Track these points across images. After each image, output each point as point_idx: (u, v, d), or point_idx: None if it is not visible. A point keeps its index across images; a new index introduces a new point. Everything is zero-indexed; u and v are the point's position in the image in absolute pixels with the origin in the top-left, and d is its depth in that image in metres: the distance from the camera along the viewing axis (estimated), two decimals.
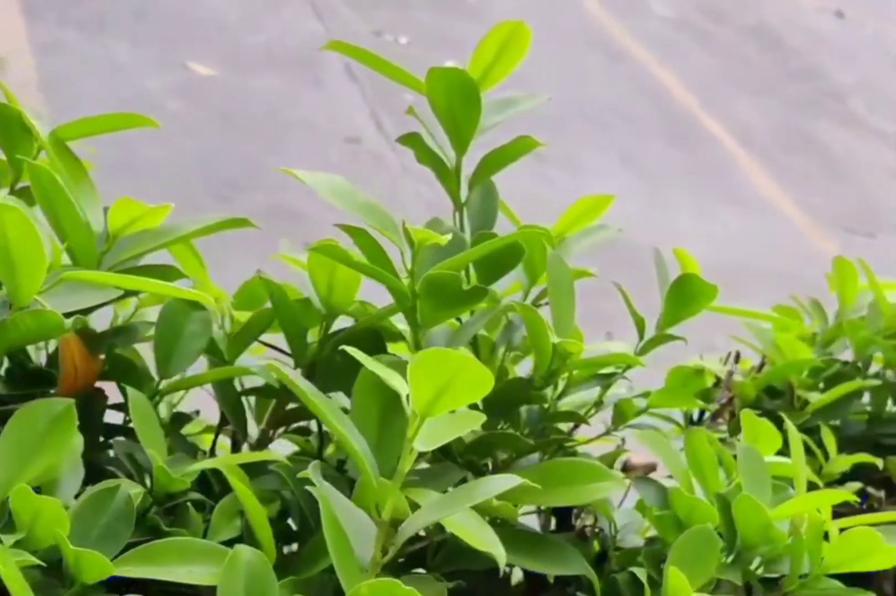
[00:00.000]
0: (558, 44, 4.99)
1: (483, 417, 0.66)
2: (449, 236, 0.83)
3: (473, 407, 0.95)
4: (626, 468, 1.08)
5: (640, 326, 0.94)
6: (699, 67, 5.31)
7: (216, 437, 0.92)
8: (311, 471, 0.64)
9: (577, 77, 4.76)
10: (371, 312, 0.88)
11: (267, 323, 0.89)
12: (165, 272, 0.81)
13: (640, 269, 3.62)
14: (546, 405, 0.92)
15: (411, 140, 0.88)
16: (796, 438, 0.92)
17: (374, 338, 0.87)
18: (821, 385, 1.22)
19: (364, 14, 4.47)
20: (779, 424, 1.20)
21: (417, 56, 4.35)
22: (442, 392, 0.59)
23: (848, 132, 4.98)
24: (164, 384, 0.86)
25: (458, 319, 0.90)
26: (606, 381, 0.94)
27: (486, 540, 0.69)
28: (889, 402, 1.23)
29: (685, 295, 0.93)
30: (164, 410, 0.92)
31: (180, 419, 0.94)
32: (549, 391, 0.92)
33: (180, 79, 3.59)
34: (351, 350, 0.65)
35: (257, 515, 0.71)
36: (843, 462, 1.12)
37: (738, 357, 1.27)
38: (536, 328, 0.86)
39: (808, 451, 1.17)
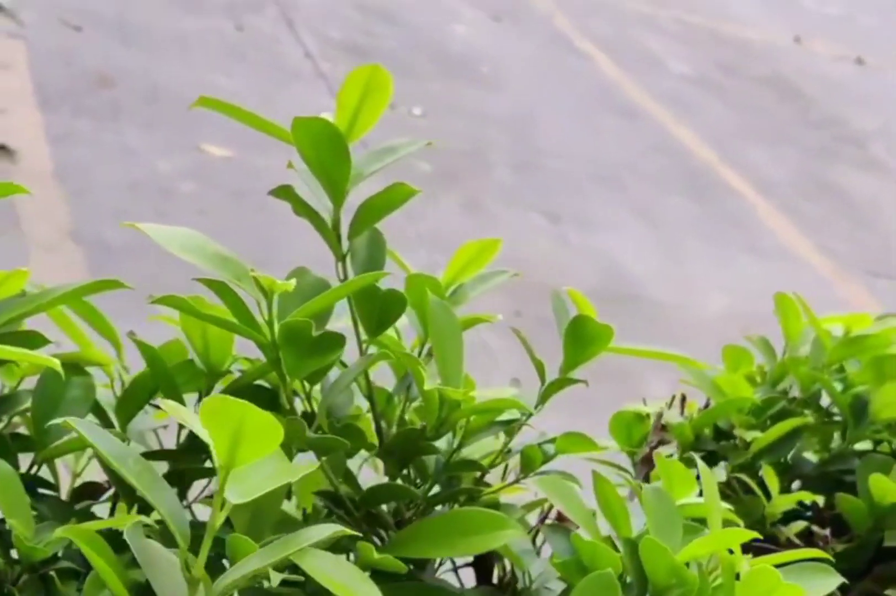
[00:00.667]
0: (573, 105, 5.01)
1: (297, 471, 0.63)
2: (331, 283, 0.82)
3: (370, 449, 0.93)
4: (560, 518, 1.05)
5: (541, 370, 0.92)
6: (717, 121, 5.29)
7: (114, 504, 0.90)
8: (129, 533, 0.62)
9: (592, 137, 4.76)
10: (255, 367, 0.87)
11: (153, 386, 0.87)
12: (30, 338, 0.80)
13: (660, 322, 3.59)
14: (447, 454, 0.90)
15: (284, 192, 0.87)
16: (708, 477, 0.89)
17: (259, 394, 0.85)
18: (768, 423, 1.18)
19: None
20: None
21: (431, 126, 4.38)
22: (237, 442, 0.57)
23: (869, 176, 4.93)
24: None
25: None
26: (507, 427, 0.91)
27: (360, 593, 0.66)
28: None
29: (581, 338, 0.90)
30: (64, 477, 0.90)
31: (89, 488, 0.92)
32: (447, 441, 0.90)
33: (194, 161, 3.62)
34: (164, 403, 0.62)
35: (114, 584, 0.68)
36: (784, 501, 1.08)
37: (683, 400, 1.23)
38: (417, 377, 0.84)
39: (750, 491, 1.13)
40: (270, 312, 0.76)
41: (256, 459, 0.59)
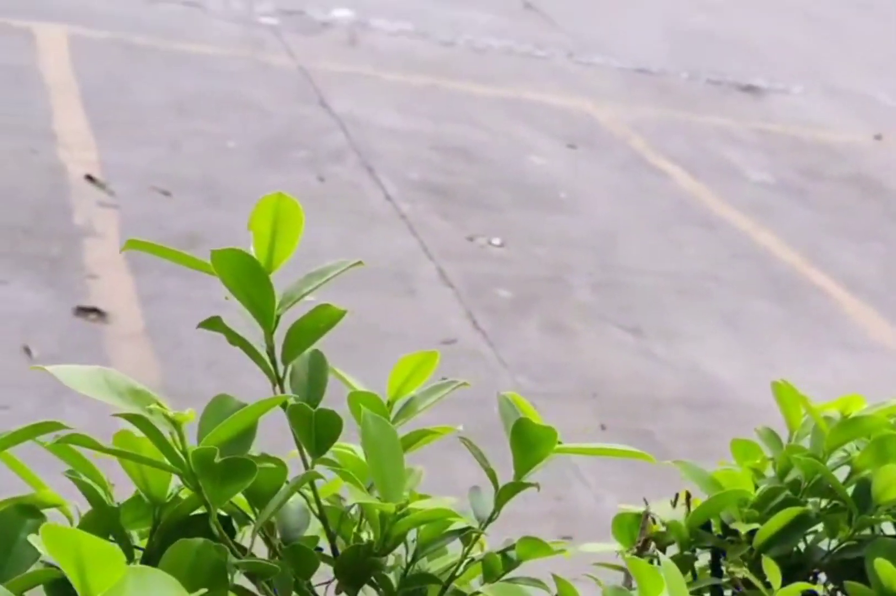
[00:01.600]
0: (652, 221, 5.01)
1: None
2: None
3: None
4: None
5: (493, 478, 0.90)
6: (799, 223, 5.24)
7: None
8: None
9: (672, 250, 4.74)
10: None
11: (105, 523, 0.87)
12: None
13: (752, 425, 3.50)
14: (402, 569, 0.88)
15: (213, 324, 0.88)
16: (672, 574, 0.85)
17: (197, 523, 0.85)
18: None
19: (456, 223, 4.57)
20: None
21: (511, 254, 4.41)
22: (83, 569, 0.57)
23: None
24: None
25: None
26: (462, 536, 0.89)
27: None
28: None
29: (526, 441, 0.89)
30: None
31: None
32: (397, 555, 0.88)
33: None
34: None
35: None
36: (784, 594, 1.03)
37: (688, 497, 1.19)
38: (352, 492, 0.83)
39: (751, 586, 1.09)
40: (182, 442, 0.77)
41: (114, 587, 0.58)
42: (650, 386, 3.57)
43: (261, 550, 0.86)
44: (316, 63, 6.04)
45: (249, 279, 0.86)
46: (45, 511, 0.90)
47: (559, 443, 0.89)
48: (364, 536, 0.90)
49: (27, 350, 3.22)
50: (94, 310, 3.46)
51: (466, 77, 6.43)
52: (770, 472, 1.22)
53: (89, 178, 4.31)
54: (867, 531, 1.12)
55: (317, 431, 0.86)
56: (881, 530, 1.14)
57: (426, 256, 4.26)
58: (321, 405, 0.88)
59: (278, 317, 0.89)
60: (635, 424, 3.33)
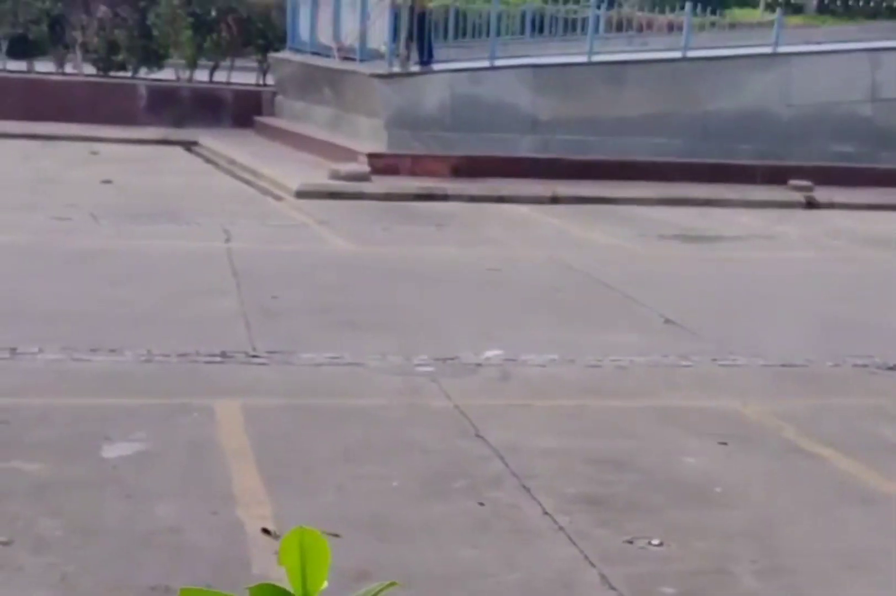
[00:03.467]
0: (811, 505, 4.92)
1: None
2: None
3: None
4: None
5: None
6: None
7: None
8: None
9: (834, 530, 4.63)
10: None
11: None
12: None
13: None
14: None
15: None
16: None
17: None
18: None
19: (614, 528, 4.58)
20: None
21: (671, 552, 4.37)
22: None
23: None
24: None
25: None
26: None
27: None
28: None
29: None
30: None
31: None
32: None
33: None
34: None
35: None
36: None
37: None
38: None
39: None
40: None
41: None
42: None
43: None
44: (471, 400, 6.29)
45: None
46: None
47: None
48: None
49: None
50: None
51: (614, 393, 6.59)
52: None
53: (265, 531, 4.51)
54: None
55: None
56: None
57: (587, 564, 4.25)
58: None
59: None
60: None
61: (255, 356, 6.84)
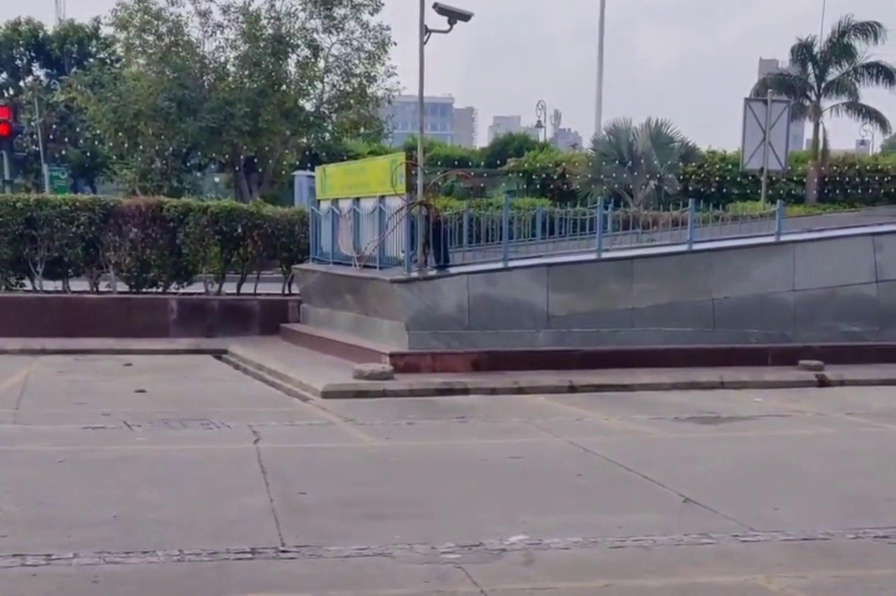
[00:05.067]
0: None
1: None
2: None
3: None
4: None
5: None
6: None
7: None
8: None
9: None
10: None
11: None
12: None
13: None
14: None
15: None
16: None
17: None
18: None
19: None
20: None
21: None
22: None
23: None
24: None
25: None
26: None
27: None
28: None
29: None
30: None
31: None
32: None
33: None
34: None
35: None
36: None
37: None
38: None
39: None
40: None
41: None
42: None
43: None
44: (497, 585, 6.28)
45: None
46: None
47: None
48: None
49: None
50: None
51: (638, 573, 6.55)
52: None
53: None
54: None
55: None
56: None
57: None
58: None
59: None
60: None
61: (284, 551, 6.87)
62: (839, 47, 36.03)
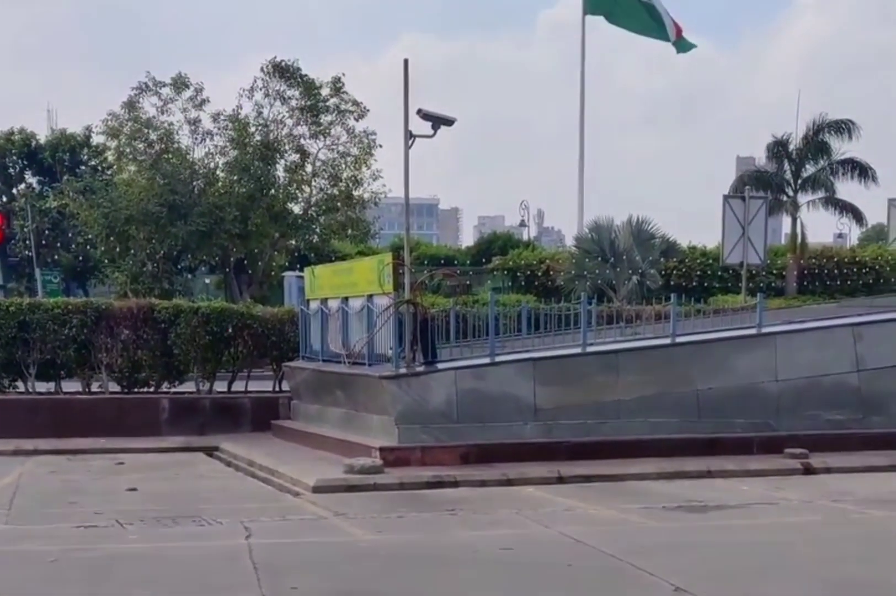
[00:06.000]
0: None
1: None
2: None
3: None
4: None
5: None
6: None
7: None
8: None
9: None
10: None
11: None
12: None
13: None
14: None
15: None
16: None
17: None
18: None
19: None
20: None
21: None
22: None
23: None
24: None
25: None
26: None
27: None
28: None
29: None
30: None
31: None
32: None
33: None
34: None
35: None
36: None
37: None
38: None
39: None
40: None
41: None
42: None
43: None
44: None
45: None
46: None
47: None
48: None
49: None
50: None
51: None
52: None
53: None
54: None
55: None
56: None
57: None
58: None
59: None
60: None
61: None
62: (814, 144, 36.73)
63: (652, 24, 34.20)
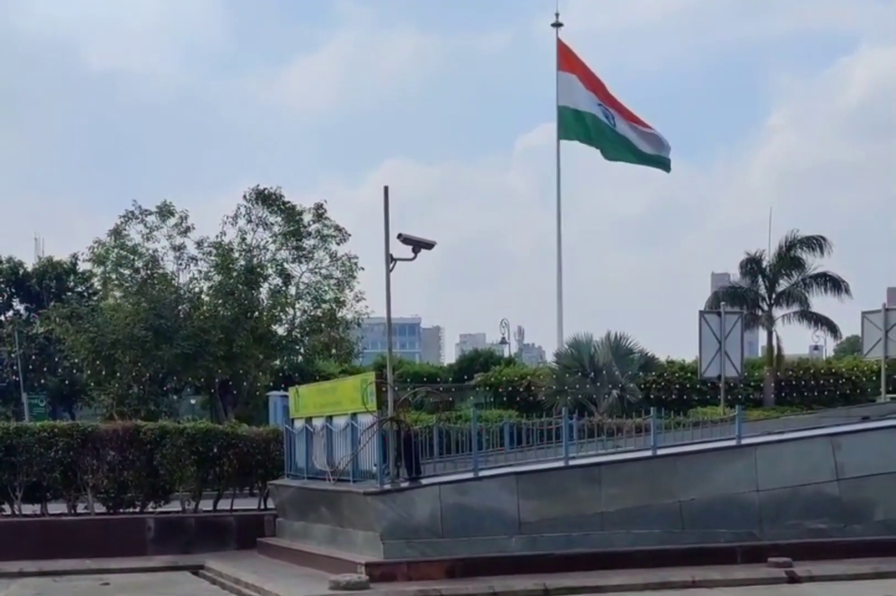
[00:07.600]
0: None
1: None
2: None
3: None
4: None
5: None
6: None
7: None
8: None
9: None
10: None
11: None
12: None
13: None
14: None
15: None
16: None
17: None
18: None
19: None
20: None
21: None
22: None
23: None
24: None
25: None
26: None
27: None
28: None
29: None
30: None
31: None
32: None
33: None
34: None
35: None
36: None
37: None
38: None
39: None
40: None
41: None
42: None
43: None
44: None
45: None
46: None
47: None
48: None
49: None
50: None
51: None
52: None
53: None
54: None
55: None
56: None
57: None
58: None
59: None
60: None
61: None
62: (787, 260, 37.38)
63: (622, 148, 35.27)
